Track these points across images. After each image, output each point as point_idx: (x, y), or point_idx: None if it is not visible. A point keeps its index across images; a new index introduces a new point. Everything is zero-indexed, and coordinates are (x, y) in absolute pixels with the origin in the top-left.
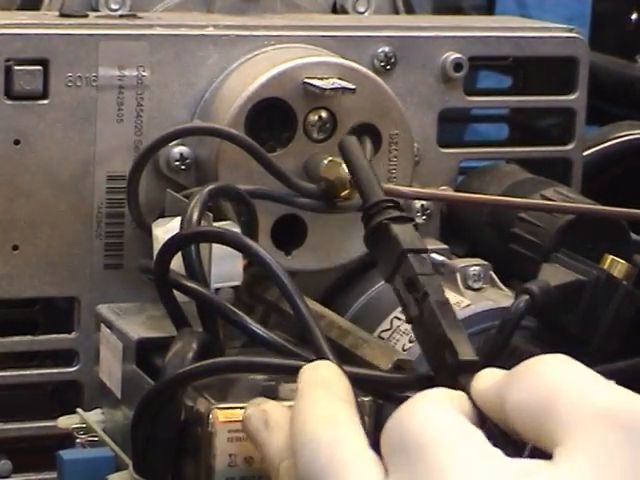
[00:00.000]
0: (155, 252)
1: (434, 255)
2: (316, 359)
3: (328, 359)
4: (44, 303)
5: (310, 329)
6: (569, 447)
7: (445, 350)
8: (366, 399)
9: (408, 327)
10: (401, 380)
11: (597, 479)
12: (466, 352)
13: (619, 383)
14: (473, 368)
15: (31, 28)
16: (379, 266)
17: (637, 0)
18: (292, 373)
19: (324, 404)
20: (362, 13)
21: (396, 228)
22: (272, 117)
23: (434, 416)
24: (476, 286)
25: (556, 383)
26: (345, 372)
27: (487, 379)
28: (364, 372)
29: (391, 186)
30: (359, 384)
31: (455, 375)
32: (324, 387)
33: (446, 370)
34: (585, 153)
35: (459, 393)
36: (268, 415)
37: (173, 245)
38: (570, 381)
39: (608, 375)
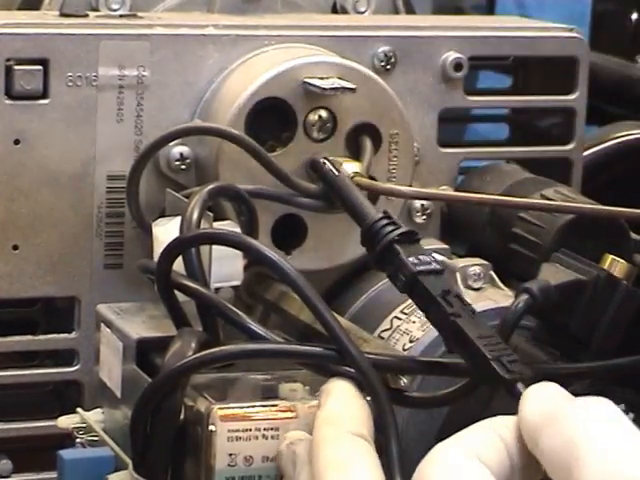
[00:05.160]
0: (155, 252)
1: (434, 255)
2: (331, 349)
3: (346, 346)
4: (44, 303)
5: (326, 320)
6: None
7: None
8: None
9: (408, 327)
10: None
11: None
12: (508, 369)
13: (618, 380)
14: (521, 379)
15: (31, 28)
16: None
17: (637, 0)
18: (285, 358)
19: (335, 445)
20: (362, 13)
21: (402, 249)
22: (272, 117)
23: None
24: (476, 286)
25: (585, 439)
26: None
27: (532, 405)
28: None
29: (391, 186)
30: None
31: (509, 390)
32: (335, 423)
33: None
34: (585, 153)
35: (491, 437)
36: (296, 456)
37: (176, 248)
38: (600, 441)
39: (608, 372)
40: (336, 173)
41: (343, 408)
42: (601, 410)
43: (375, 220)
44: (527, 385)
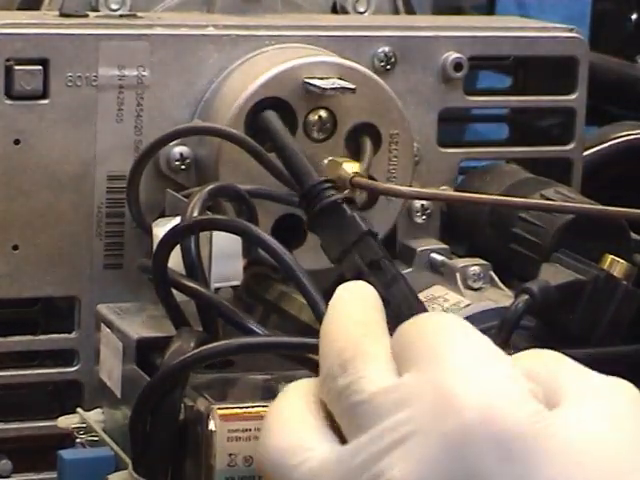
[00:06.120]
0: None
1: (434, 255)
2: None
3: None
4: (44, 303)
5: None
6: (576, 398)
7: None
8: None
9: None
10: None
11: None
12: None
13: (620, 368)
14: None
15: (31, 28)
16: (326, 246)
17: (637, 0)
18: (285, 350)
19: (354, 310)
20: (362, 13)
21: (349, 210)
22: None
23: (453, 324)
24: (476, 286)
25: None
26: None
27: None
28: None
29: (391, 186)
30: None
31: None
32: (357, 298)
33: None
34: (585, 153)
35: None
36: None
37: (174, 236)
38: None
39: (610, 360)
40: (282, 131)
41: (366, 291)
42: None
43: (319, 181)
44: None
